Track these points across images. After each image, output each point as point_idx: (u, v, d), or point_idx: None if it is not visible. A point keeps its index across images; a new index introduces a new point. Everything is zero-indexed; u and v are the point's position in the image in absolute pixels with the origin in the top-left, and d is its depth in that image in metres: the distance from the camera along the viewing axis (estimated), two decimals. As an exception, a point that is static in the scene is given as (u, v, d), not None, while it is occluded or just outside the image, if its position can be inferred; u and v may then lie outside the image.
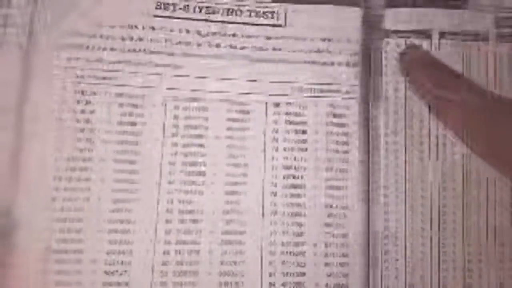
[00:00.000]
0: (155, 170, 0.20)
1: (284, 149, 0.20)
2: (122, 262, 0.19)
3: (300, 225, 0.20)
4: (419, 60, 0.21)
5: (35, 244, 0.19)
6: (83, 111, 0.20)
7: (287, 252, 0.20)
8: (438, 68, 0.20)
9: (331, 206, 0.20)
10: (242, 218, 0.20)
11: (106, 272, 0.19)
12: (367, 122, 0.21)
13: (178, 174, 0.20)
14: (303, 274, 0.20)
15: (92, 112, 0.20)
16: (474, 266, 0.20)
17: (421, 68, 0.20)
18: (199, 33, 0.21)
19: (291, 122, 0.20)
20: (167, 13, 0.21)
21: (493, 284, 0.20)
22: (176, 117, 0.20)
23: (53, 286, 0.19)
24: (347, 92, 0.21)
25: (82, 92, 0.20)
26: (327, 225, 0.20)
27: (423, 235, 0.20)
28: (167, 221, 0.19)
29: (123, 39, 0.20)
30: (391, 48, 0.21)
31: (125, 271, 0.19)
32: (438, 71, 0.20)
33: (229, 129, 0.20)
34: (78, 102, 0.20)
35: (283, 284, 0.19)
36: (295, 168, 0.20)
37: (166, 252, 0.19)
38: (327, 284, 0.20)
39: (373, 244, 0.20)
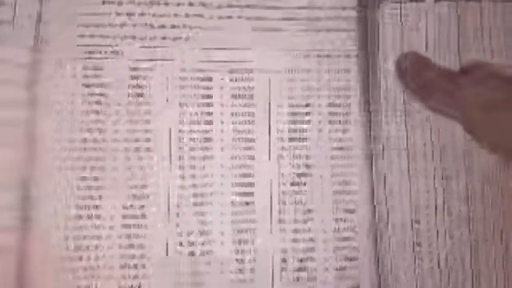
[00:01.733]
0: (165, 141, 0.21)
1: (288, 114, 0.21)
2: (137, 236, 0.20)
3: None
4: (417, 65, 0.21)
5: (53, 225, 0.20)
6: (93, 85, 0.21)
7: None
8: (435, 70, 0.21)
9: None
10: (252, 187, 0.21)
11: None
12: (367, 81, 0.21)
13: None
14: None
15: (102, 85, 0.21)
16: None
17: (422, 72, 0.21)
18: (203, 4, 0.22)
19: (292, 88, 0.21)
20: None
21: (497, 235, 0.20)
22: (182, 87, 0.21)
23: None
24: (347, 56, 0.22)
25: (91, 68, 0.21)
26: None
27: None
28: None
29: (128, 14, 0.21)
30: (387, 12, 0.22)
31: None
32: (436, 73, 0.21)
33: (233, 96, 0.21)
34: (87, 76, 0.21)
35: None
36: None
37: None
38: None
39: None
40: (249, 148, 0.21)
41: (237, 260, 0.20)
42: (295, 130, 0.21)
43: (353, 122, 0.21)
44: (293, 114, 0.21)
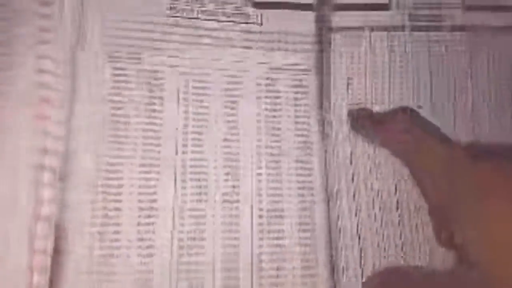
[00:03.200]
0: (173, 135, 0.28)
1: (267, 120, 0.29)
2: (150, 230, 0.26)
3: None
4: (367, 119, 0.28)
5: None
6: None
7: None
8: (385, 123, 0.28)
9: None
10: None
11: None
12: (320, 90, 0.30)
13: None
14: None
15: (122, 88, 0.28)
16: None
17: (372, 125, 0.28)
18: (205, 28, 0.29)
19: (270, 92, 0.29)
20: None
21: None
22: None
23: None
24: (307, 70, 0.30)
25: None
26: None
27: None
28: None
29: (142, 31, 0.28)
30: (336, 40, 0.30)
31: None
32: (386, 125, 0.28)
33: (225, 95, 0.29)
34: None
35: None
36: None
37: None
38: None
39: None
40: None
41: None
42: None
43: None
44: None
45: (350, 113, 0.29)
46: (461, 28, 0.31)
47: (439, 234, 0.26)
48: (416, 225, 0.28)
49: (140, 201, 0.27)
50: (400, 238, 0.28)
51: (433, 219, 0.26)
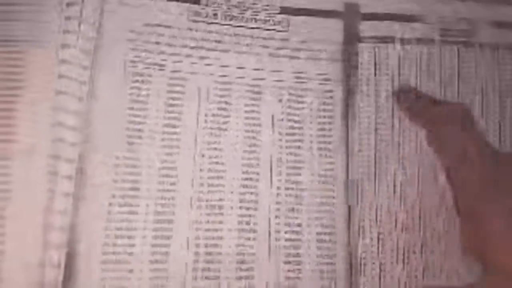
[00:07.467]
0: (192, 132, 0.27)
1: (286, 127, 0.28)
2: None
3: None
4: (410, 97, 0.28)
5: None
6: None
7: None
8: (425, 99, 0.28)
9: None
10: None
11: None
12: (346, 101, 0.29)
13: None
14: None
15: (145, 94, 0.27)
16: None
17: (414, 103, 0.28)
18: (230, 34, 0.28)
19: (293, 101, 0.28)
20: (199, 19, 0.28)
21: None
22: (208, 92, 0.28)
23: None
24: (333, 79, 0.29)
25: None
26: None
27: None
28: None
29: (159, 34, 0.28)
30: (364, 50, 0.29)
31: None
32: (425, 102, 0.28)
33: (246, 105, 0.28)
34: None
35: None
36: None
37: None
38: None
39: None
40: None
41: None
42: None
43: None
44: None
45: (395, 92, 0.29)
46: (489, 45, 0.30)
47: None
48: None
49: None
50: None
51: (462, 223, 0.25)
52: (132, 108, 0.27)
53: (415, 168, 0.28)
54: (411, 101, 0.28)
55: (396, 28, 0.29)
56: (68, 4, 0.27)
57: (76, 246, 0.24)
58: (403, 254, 0.27)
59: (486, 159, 0.24)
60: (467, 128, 0.25)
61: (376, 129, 0.28)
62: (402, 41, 0.29)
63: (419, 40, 0.29)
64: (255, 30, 0.29)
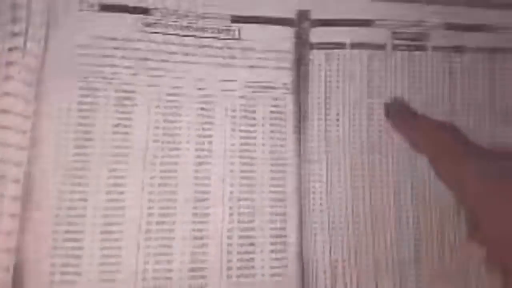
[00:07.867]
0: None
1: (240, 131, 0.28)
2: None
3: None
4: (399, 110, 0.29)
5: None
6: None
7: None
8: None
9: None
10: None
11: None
12: (298, 108, 0.29)
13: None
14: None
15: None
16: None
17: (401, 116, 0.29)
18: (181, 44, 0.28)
19: (245, 111, 0.28)
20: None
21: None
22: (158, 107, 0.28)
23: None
24: (285, 88, 0.29)
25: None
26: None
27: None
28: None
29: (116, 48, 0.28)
30: (315, 57, 0.29)
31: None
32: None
33: (197, 115, 0.28)
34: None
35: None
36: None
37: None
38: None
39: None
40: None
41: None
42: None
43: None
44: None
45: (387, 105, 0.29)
46: (443, 48, 0.30)
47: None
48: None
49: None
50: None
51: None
52: (80, 124, 0.27)
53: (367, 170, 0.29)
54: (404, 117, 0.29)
55: (346, 34, 0.30)
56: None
57: (24, 250, 0.25)
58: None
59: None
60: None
61: (326, 133, 0.29)
62: (353, 46, 0.30)
63: (370, 45, 0.30)
64: (206, 39, 0.29)
